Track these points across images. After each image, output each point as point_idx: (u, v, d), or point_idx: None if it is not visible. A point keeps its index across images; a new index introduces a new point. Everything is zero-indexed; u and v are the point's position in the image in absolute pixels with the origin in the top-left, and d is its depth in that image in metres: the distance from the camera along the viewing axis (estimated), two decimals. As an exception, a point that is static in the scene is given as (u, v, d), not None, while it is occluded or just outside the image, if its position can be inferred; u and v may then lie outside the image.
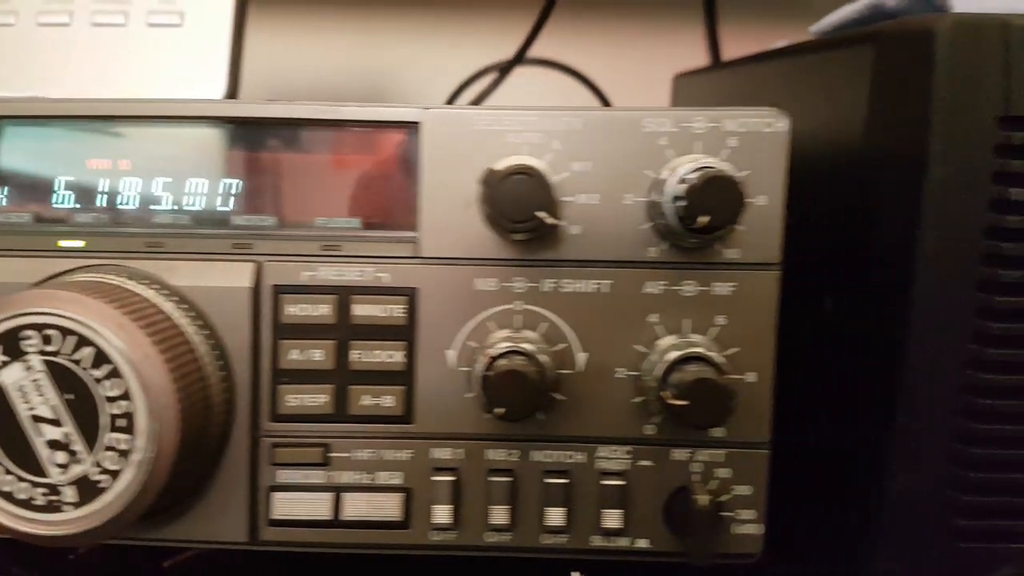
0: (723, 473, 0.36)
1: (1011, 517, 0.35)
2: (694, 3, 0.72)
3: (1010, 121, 0.33)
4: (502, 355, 0.33)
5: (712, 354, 0.33)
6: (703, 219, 0.31)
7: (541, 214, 0.31)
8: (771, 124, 0.35)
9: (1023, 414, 0.34)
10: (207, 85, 0.47)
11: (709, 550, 0.34)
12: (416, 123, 0.35)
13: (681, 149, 0.35)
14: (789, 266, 0.35)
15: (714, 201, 0.31)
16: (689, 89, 0.69)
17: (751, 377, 0.35)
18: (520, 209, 0.31)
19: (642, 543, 0.36)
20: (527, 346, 0.33)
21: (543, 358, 0.33)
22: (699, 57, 0.73)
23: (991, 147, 0.33)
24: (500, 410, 0.31)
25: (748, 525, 0.36)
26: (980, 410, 0.34)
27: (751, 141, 0.35)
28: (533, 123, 0.35)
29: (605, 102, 0.78)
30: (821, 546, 0.40)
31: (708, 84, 0.65)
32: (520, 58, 0.74)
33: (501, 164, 0.33)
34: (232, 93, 0.48)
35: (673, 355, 0.33)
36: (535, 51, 0.73)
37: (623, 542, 0.36)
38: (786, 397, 0.37)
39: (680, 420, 0.32)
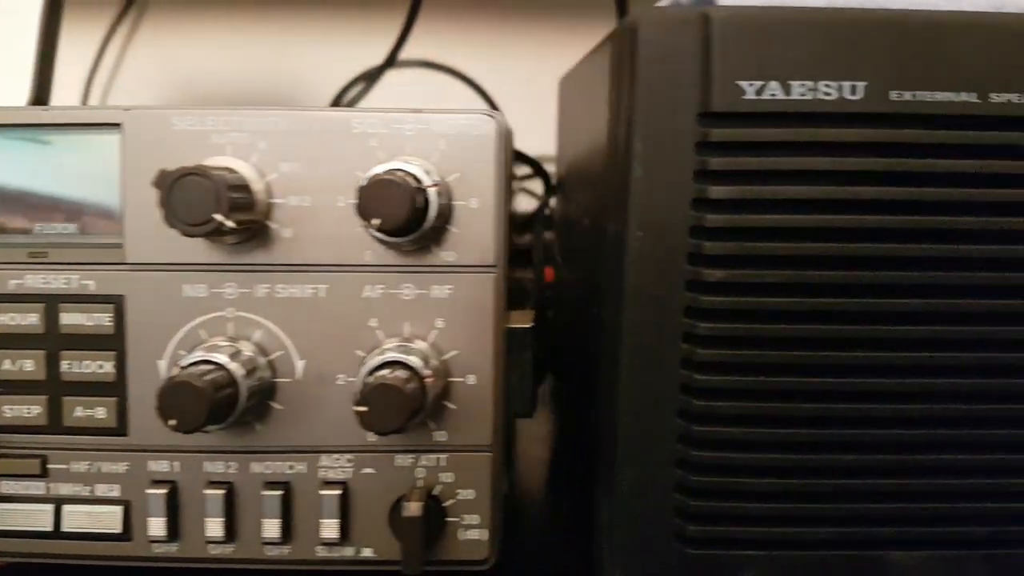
0: (446, 478, 0.35)
1: (740, 523, 0.35)
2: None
3: (709, 117, 0.32)
4: (192, 364, 0.32)
5: (410, 358, 0.32)
6: (375, 221, 0.30)
7: (218, 217, 0.30)
8: (479, 127, 0.34)
9: (739, 415, 0.34)
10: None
11: (420, 559, 0.33)
12: (118, 124, 0.34)
13: (391, 151, 0.34)
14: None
15: (382, 204, 0.30)
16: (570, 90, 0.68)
17: (471, 380, 0.35)
18: (193, 211, 0.30)
19: (367, 552, 0.35)
20: (218, 356, 0.32)
21: (234, 367, 0.32)
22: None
23: (691, 144, 0.32)
24: (172, 422, 0.30)
25: (473, 530, 0.35)
26: (697, 412, 0.34)
27: (460, 143, 0.34)
28: (237, 123, 0.34)
29: (492, 104, 0.77)
30: (563, 552, 0.40)
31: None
32: (391, 62, 0.73)
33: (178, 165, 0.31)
34: (41, 98, 0.47)
35: (373, 361, 0.33)
36: (427, 54, 0.72)
37: (348, 552, 0.35)
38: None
39: (363, 427, 0.31)
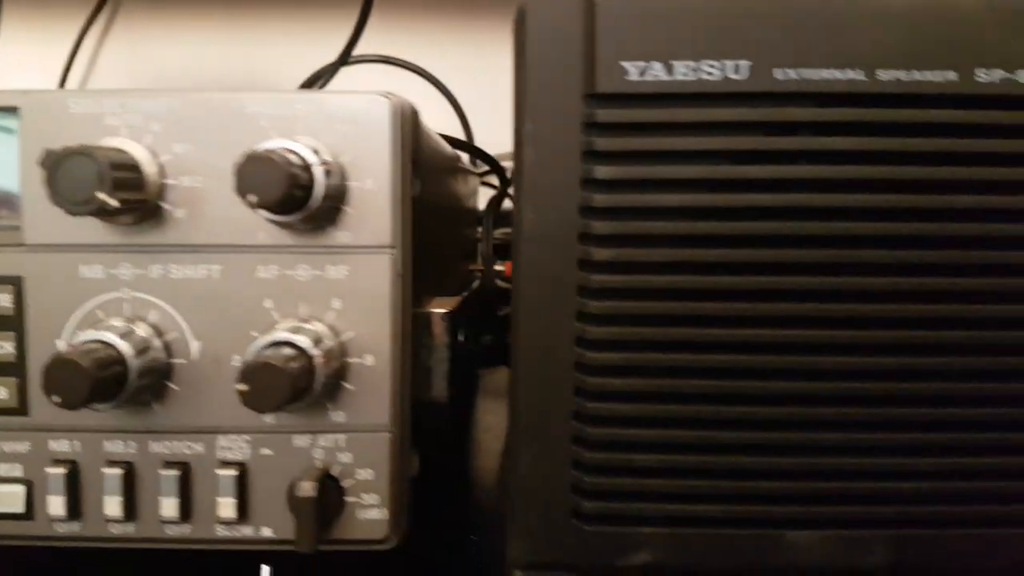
0: (345, 458, 0.35)
1: (635, 499, 0.35)
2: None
3: (594, 98, 0.32)
4: (82, 343, 0.32)
5: (297, 337, 0.33)
6: (251, 198, 0.30)
7: (101, 195, 0.31)
8: (373, 108, 0.34)
9: (632, 392, 0.34)
10: None
11: (314, 537, 0.34)
12: (15, 108, 0.34)
13: (284, 132, 0.34)
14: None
15: (257, 180, 0.30)
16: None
17: (369, 360, 0.35)
18: (76, 190, 0.31)
19: (267, 531, 0.36)
20: (108, 335, 0.33)
21: (124, 345, 0.33)
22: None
23: (579, 125, 0.32)
24: (56, 398, 0.30)
25: (372, 510, 0.36)
26: (591, 389, 0.34)
27: (354, 124, 0.34)
28: (132, 105, 0.34)
29: (454, 101, 0.77)
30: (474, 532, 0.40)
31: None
32: (345, 59, 0.73)
33: (61, 145, 0.32)
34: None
35: (261, 341, 0.33)
36: (388, 50, 0.72)
37: (247, 531, 0.36)
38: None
39: (245, 405, 0.31)
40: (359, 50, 0.70)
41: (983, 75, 0.32)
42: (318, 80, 0.76)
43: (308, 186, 0.32)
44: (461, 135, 0.79)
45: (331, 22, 0.82)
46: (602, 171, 0.32)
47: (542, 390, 0.35)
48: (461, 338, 0.43)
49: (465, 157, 0.66)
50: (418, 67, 0.76)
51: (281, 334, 0.33)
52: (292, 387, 0.31)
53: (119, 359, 0.32)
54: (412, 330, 0.38)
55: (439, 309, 0.39)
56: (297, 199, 0.32)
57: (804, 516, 0.35)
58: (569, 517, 0.35)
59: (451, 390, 0.40)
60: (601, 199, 0.33)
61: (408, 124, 0.35)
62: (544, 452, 0.35)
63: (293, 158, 0.31)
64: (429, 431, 0.42)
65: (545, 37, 0.32)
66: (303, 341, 0.32)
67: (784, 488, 0.35)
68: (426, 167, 0.42)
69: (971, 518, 0.35)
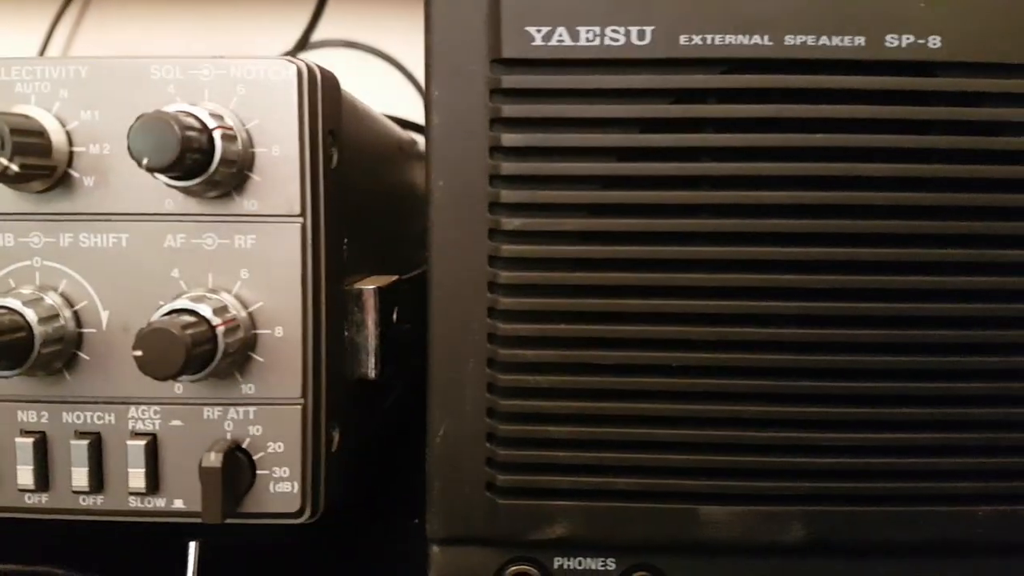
0: (255, 431, 0.35)
1: (549, 472, 0.35)
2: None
3: (500, 64, 0.32)
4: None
5: (198, 306, 0.32)
6: (145, 161, 0.30)
7: (1, 160, 0.30)
8: (279, 73, 0.34)
9: (543, 363, 0.34)
10: None
11: (220, 509, 0.33)
12: (-76, 75, 0.34)
13: (189, 97, 0.33)
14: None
15: (148, 143, 0.30)
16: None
17: (279, 332, 0.35)
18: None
19: (179, 503, 0.35)
20: (12, 301, 0.32)
21: (29, 312, 0.32)
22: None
23: (486, 91, 0.32)
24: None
25: (284, 483, 0.35)
26: (503, 360, 0.34)
27: (260, 90, 0.34)
28: (41, 72, 0.34)
29: (416, 84, 0.77)
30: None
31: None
32: (304, 43, 0.73)
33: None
34: None
35: (162, 310, 0.33)
36: (351, 34, 0.72)
37: (160, 502, 0.35)
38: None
39: (141, 371, 0.31)
40: (324, 35, 0.70)
41: (893, 40, 0.31)
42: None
43: (207, 150, 0.31)
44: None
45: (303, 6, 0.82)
46: (509, 138, 0.32)
47: (456, 362, 0.34)
48: (395, 318, 0.43)
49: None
50: (381, 51, 0.76)
51: (181, 302, 0.32)
52: (187, 354, 0.30)
53: (23, 326, 0.32)
54: (340, 305, 0.38)
55: (370, 286, 0.39)
56: (195, 163, 0.31)
57: (719, 490, 0.35)
58: (483, 490, 0.35)
59: (384, 368, 0.40)
60: (509, 167, 0.32)
61: (320, 91, 0.35)
62: (458, 425, 0.35)
63: (191, 121, 0.31)
64: (360, 408, 0.42)
65: (450, 2, 0.32)
66: (204, 309, 0.32)
67: (698, 462, 0.34)
68: (356, 141, 0.41)
69: (886, 494, 0.35)
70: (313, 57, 0.74)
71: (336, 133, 0.37)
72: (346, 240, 0.39)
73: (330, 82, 0.37)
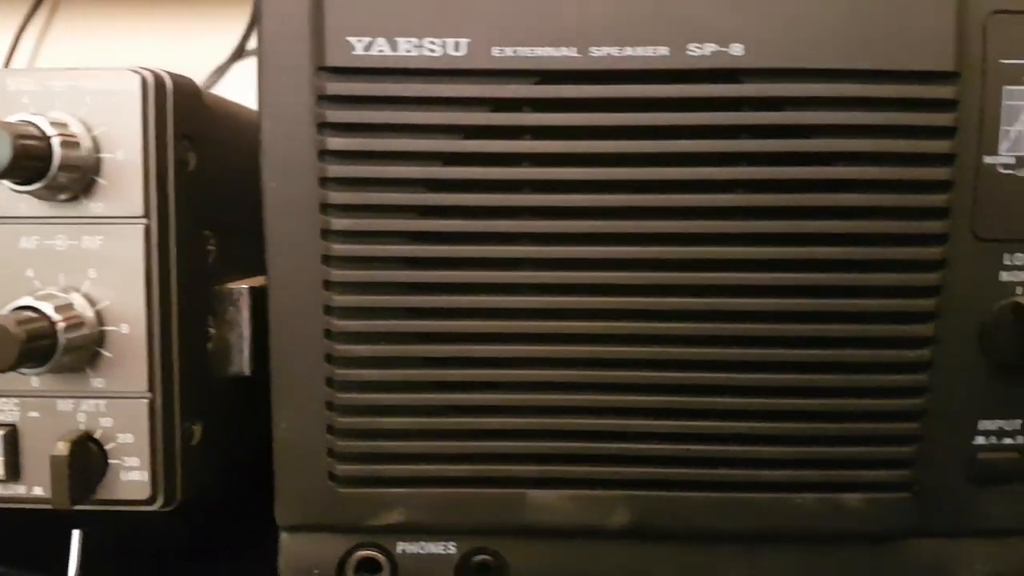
0: (106, 423, 0.37)
1: (386, 461, 0.36)
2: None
3: (325, 72, 0.34)
4: None
5: (40, 303, 0.34)
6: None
7: None
8: (123, 82, 0.35)
9: (376, 358, 0.36)
10: None
11: (68, 495, 0.35)
12: None
13: (42, 107, 0.35)
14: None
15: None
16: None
17: (124, 329, 0.36)
18: None
19: (38, 490, 0.37)
20: None
21: None
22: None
23: (313, 98, 0.34)
24: None
25: (134, 472, 0.37)
26: (339, 355, 0.36)
27: (106, 99, 0.35)
28: None
29: None
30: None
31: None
32: (240, 53, 0.74)
33: None
34: None
35: (7, 308, 0.34)
36: None
37: (20, 489, 0.37)
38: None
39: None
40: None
41: (695, 49, 0.33)
42: (222, 74, 0.77)
43: (46, 156, 0.33)
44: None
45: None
46: (335, 142, 0.34)
47: (296, 357, 0.36)
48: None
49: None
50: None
51: (25, 300, 0.34)
52: (20, 348, 0.32)
53: None
54: (209, 304, 0.40)
55: (244, 285, 0.41)
56: (33, 169, 0.33)
57: (546, 476, 0.36)
58: (325, 479, 0.37)
59: (260, 366, 0.41)
60: (335, 170, 0.34)
61: (171, 99, 0.37)
62: (300, 417, 0.36)
63: (30, 129, 0.33)
64: (233, 405, 0.43)
65: (279, 11, 0.34)
66: (45, 306, 0.34)
67: (526, 448, 0.36)
68: (226, 145, 0.43)
69: (707, 481, 0.36)
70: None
71: (193, 137, 0.39)
72: (212, 241, 0.41)
73: (185, 89, 0.38)
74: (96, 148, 0.35)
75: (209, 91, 0.42)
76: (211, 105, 0.41)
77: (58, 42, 0.87)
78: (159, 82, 0.36)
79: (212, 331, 0.41)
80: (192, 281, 0.39)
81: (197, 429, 0.40)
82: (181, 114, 0.37)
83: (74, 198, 0.36)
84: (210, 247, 0.41)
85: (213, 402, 0.41)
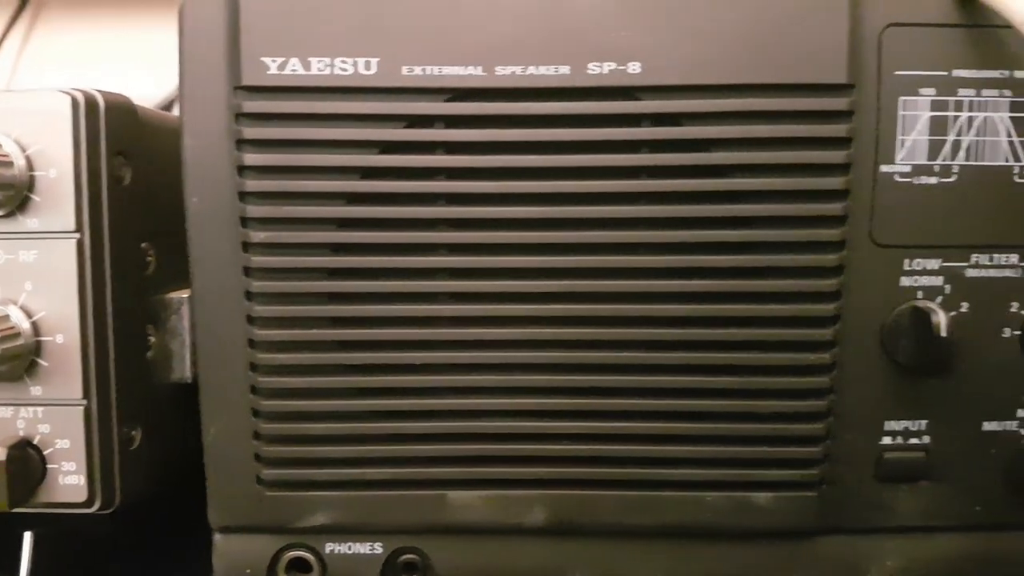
0: (44, 429, 0.38)
1: (311, 466, 0.38)
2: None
3: (241, 90, 0.35)
4: None
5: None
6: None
7: None
8: (55, 104, 0.37)
9: (297, 366, 0.37)
10: None
11: (5, 498, 0.37)
12: None
13: (-23, 128, 0.37)
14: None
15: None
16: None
17: (59, 339, 0.38)
18: None
19: (-21, 495, 0.39)
20: None
21: None
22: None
23: (231, 115, 0.35)
24: None
25: (72, 476, 0.38)
26: (262, 364, 0.37)
27: (39, 119, 0.37)
28: None
29: None
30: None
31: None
32: None
33: None
34: None
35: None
36: None
37: (-40, 494, 0.39)
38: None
39: None
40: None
41: (595, 68, 0.35)
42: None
43: (-26, 176, 0.35)
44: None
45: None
46: (252, 158, 0.35)
47: (222, 366, 0.37)
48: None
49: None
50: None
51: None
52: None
53: None
54: (150, 313, 0.41)
55: (184, 294, 0.42)
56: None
57: (465, 477, 0.38)
58: (253, 483, 0.38)
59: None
60: (254, 184, 0.35)
61: (104, 117, 0.38)
62: (229, 424, 0.38)
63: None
64: (175, 411, 0.45)
65: (198, 32, 0.35)
66: (-33, 317, 0.35)
67: (444, 451, 0.38)
68: (166, 159, 0.44)
69: (619, 479, 0.38)
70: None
71: (128, 153, 0.40)
72: (152, 253, 0.43)
73: (120, 107, 0.40)
74: (30, 166, 0.37)
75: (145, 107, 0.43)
76: (147, 121, 0.43)
77: (42, 45, 0.89)
78: (91, 102, 0.38)
79: (153, 339, 0.42)
80: (130, 291, 0.40)
81: (137, 434, 0.41)
82: (114, 131, 0.39)
83: (10, 214, 0.37)
84: (149, 258, 0.43)
85: (154, 408, 0.43)
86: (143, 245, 0.42)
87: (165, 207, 0.44)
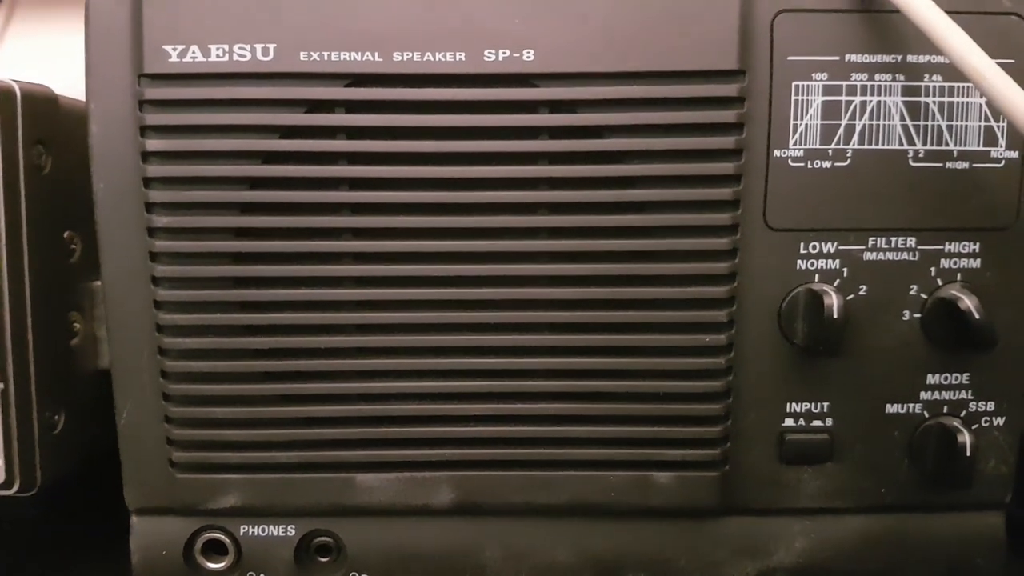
0: (-40, 416, 0.39)
1: (220, 449, 0.38)
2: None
3: (144, 78, 0.36)
4: None
5: None
6: None
7: None
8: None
9: (203, 350, 0.38)
10: None
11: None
12: None
13: None
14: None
15: None
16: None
17: (-26, 325, 0.38)
18: None
19: None
20: None
21: None
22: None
23: (134, 102, 0.36)
24: None
25: (-3, 470, 0.39)
26: (169, 348, 0.38)
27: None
28: None
29: None
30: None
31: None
32: None
33: None
34: None
35: None
36: None
37: None
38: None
39: None
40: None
41: (491, 55, 0.35)
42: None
43: None
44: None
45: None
46: (155, 144, 0.36)
47: (133, 351, 0.38)
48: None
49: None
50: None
51: None
52: None
53: None
54: (74, 301, 0.42)
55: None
56: None
57: (372, 459, 0.38)
58: (166, 466, 0.39)
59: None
60: (156, 170, 0.36)
61: (20, 106, 0.39)
62: (140, 408, 0.39)
63: None
64: (97, 396, 0.45)
65: (102, 21, 0.36)
66: None
67: (351, 434, 0.38)
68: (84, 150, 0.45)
69: (524, 459, 0.38)
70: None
71: (48, 142, 0.41)
72: (76, 241, 0.43)
73: (38, 97, 0.40)
74: (-53, 162, 0.38)
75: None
76: (71, 111, 0.43)
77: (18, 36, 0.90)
78: (7, 92, 0.39)
79: (78, 327, 0.43)
80: (51, 279, 0.41)
81: (60, 418, 0.42)
82: (32, 121, 0.40)
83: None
84: (73, 247, 0.43)
85: (79, 393, 0.43)
86: (66, 234, 0.43)
87: (91, 196, 0.45)
